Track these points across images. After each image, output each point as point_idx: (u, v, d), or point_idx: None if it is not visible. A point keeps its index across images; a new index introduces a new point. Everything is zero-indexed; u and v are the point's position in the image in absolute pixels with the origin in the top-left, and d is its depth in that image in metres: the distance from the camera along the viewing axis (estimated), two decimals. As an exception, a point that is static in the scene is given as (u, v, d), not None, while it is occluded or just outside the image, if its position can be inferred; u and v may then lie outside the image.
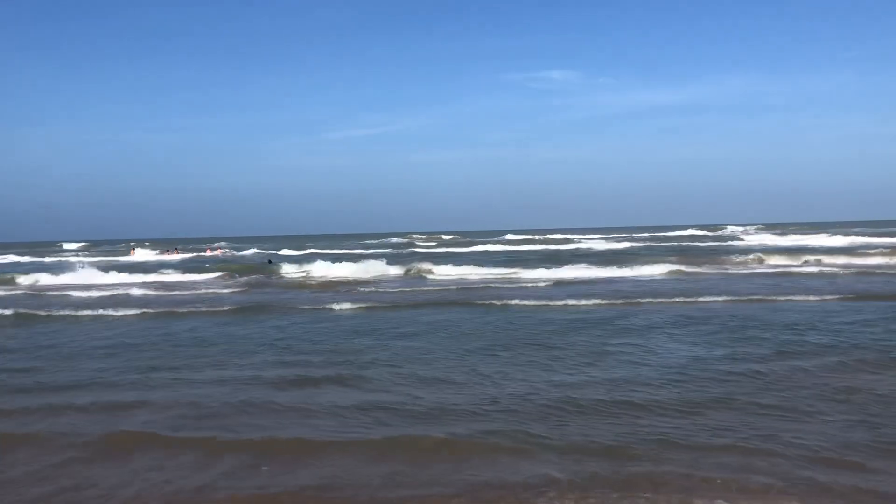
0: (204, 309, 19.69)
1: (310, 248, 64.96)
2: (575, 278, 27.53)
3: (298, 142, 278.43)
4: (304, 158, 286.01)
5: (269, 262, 38.51)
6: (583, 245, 60.13)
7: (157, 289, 26.49)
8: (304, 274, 31.35)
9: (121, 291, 25.21)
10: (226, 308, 19.73)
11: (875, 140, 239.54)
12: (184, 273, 33.16)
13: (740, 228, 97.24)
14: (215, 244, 78.18)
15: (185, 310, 19.47)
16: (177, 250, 62.37)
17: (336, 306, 19.33)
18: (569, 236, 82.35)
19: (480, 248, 60.09)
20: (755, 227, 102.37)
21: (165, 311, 19.45)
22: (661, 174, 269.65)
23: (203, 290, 25.81)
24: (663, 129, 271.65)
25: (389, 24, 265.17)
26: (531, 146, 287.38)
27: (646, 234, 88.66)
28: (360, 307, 19.35)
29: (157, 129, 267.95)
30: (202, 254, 59.88)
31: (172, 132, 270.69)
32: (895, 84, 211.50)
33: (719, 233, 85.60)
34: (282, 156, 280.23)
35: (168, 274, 32.65)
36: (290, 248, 61.08)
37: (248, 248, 66.73)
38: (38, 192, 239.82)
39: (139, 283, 29.25)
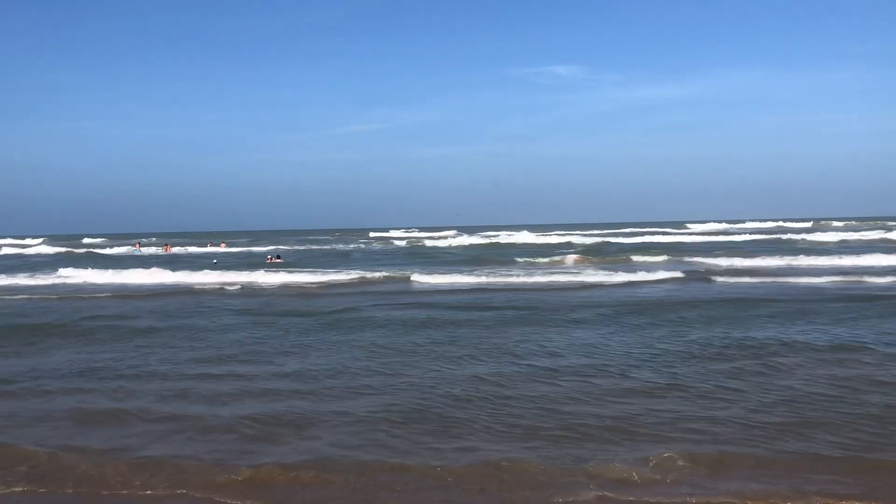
0: None
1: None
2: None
3: (301, 137, 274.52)
4: (307, 154, 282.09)
5: (278, 257, 37.53)
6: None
7: None
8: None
9: None
10: None
11: (884, 136, 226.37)
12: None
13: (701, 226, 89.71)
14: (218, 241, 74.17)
15: None
16: (167, 246, 61.29)
17: None
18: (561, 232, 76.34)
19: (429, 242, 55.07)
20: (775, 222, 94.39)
21: None
22: (666, 170, 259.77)
23: None
24: (669, 125, 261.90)
25: (394, 18, 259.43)
26: (536, 141, 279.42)
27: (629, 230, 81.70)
28: None
29: (158, 125, 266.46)
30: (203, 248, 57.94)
31: (171, 128, 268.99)
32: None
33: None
34: (284, 151, 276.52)
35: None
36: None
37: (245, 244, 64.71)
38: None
39: None
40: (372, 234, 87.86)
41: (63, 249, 59.01)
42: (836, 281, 20.73)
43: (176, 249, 56.52)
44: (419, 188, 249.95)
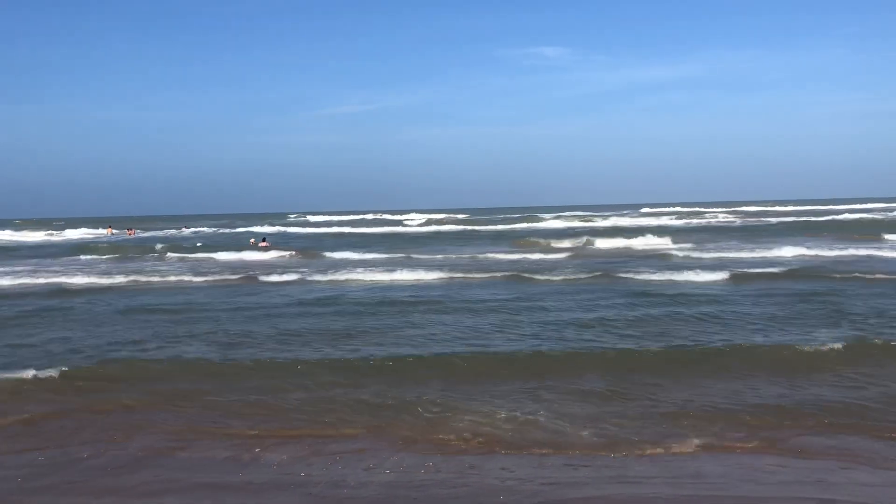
0: None
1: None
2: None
3: (285, 118, 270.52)
4: (291, 135, 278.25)
5: (264, 239, 36.15)
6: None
7: None
8: None
9: None
10: None
11: (871, 117, 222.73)
12: None
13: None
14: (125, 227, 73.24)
15: None
16: (131, 230, 60.93)
17: None
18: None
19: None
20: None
21: None
22: (654, 151, 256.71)
23: None
24: (657, 107, 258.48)
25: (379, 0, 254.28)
26: (524, 123, 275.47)
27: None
28: None
29: (142, 106, 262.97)
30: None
31: (155, 109, 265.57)
32: (892, 59, 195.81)
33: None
34: (267, 132, 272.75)
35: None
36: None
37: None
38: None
39: None
40: (291, 217, 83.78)
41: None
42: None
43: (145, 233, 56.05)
44: (405, 171, 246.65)
